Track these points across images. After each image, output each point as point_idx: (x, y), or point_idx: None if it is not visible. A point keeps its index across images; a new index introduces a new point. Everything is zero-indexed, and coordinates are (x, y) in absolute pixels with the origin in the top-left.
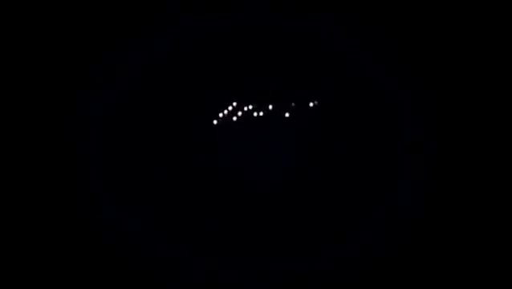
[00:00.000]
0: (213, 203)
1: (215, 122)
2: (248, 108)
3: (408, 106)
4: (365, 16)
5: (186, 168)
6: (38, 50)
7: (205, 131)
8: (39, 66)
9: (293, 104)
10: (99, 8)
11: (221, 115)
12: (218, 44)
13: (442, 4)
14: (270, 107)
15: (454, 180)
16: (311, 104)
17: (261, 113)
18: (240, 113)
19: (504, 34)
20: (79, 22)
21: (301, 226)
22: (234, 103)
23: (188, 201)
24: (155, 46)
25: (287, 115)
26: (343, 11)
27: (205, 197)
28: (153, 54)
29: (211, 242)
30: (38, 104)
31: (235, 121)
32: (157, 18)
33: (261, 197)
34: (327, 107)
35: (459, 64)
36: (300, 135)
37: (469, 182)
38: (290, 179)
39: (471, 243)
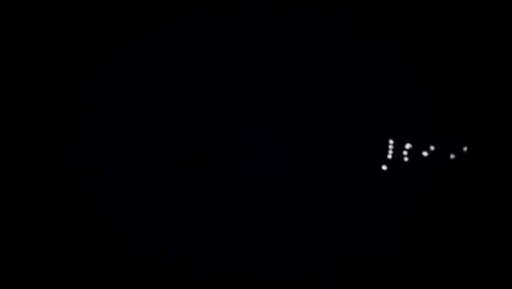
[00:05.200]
0: (210, 202)
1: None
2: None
3: (408, 106)
4: (365, 15)
5: (185, 167)
6: (44, 51)
7: (204, 131)
8: (44, 66)
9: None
10: (103, 8)
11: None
12: (218, 47)
13: (443, 4)
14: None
15: (454, 180)
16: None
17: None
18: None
19: (504, 35)
20: (83, 23)
21: (297, 227)
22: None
23: (184, 200)
24: (155, 47)
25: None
26: (343, 10)
27: (202, 196)
28: (153, 55)
29: (205, 239)
30: (42, 104)
31: (233, 122)
32: (160, 19)
33: (258, 197)
34: (325, 107)
35: (459, 64)
36: (297, 135)
37: (468, 182)
38: (286, 179)
39: (470, 244)
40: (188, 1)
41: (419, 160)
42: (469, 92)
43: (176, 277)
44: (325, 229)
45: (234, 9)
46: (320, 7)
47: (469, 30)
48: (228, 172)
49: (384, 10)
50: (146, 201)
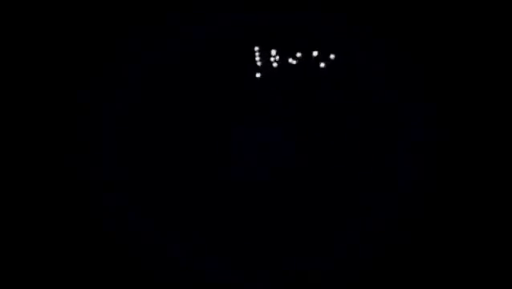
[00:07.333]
0: (214, 202)
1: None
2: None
3: (408, 106)
4: (364, 16)
5: (187, 169)
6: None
7: (207, 132)
8: (50, 66)
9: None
10: (103, 9)
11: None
12: (218, 47)
13: (443, 5)
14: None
15: (454, 180)
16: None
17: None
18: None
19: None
20: (90, 23)
21: (299, 226)
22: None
23: (188, 200)
24: (161, 48)
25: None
26: (343, 12)
27: (206, 197)
28: (158, 56)
29: (209, 240)
30: (51, 104)
31: (237, 121)
32: (166, 20)
33: (261, 196)
34: (326, 108)
35: (460, 66)
36: (297, 135)
37: (468, 183)
38: (290, 178)
39: (470, 245)
40: (189, 1)
41: (418, 160)
42: (469, 93)
43: (176, 277)
44: (325, 229)
45: (237, 10)
46: (321, 8)
47: (469, 31)
48: (228, 173)
49: (384, 10)
50: (146, 201)
